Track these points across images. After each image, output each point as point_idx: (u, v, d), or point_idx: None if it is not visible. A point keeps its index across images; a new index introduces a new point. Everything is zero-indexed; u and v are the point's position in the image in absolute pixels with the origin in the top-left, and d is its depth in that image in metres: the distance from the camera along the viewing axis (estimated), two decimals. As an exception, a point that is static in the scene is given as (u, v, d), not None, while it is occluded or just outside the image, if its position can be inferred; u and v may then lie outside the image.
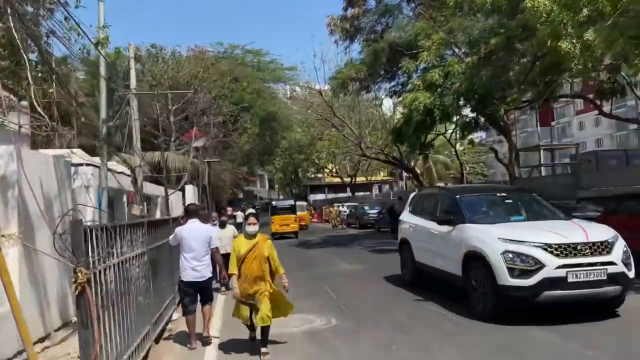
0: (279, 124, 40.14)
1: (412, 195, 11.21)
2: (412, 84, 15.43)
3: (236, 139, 36.09)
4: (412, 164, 33.89)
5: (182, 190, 28.18)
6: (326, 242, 22.60)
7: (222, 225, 10.96)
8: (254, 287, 6.06)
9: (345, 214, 35.77)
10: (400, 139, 22.03)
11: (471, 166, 72.09)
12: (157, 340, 6.78)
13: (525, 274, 6.52)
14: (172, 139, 30.33)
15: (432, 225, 8.76)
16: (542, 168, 22.85)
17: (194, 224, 6.77)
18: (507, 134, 21.01)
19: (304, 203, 40.23)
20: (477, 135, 42.20)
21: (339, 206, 38.66)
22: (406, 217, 10.65)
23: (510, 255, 6.64)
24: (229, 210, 44.96)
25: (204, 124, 31.32)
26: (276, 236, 26.87)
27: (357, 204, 38.46)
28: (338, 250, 18.83)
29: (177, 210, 19.38)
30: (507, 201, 8.91)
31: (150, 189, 19.60)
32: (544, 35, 10.24)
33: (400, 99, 15.65)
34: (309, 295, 9.84)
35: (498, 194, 9.19)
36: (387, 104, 36.48)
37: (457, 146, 67.55)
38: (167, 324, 7.70)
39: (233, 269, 6.13)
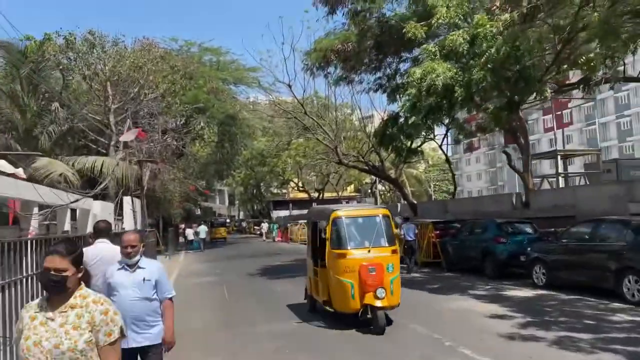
0: (239, 129, 35.25)
1: None
2: (425, 51, 11.07)
3: (189, 145, 31.07)
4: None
5: (119, 203, 23.25)
6: (297, 269, 16.60)
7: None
8: None
9: None
10: (383, 142, 18.26)
11: (436, 184, 69.10)
12: None
13: None
14: (112, 142, 25.50)
15: None
16: (556, 178, 18.98)
17: (101, 245, 5.16)
18: (522, 134, 17.15)
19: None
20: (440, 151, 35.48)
21: None
22: None
23: None
24: (181, 227, 39.65)
25: (150, 126, 26.50)
26: (214, 241, 41.19)
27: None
28: (314, 281, 14.09)
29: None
30: None
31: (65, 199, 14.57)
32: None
33: (410, 72, 11.24)
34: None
35: None
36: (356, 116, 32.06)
37: (423, 164, 63.60)
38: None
39: None
